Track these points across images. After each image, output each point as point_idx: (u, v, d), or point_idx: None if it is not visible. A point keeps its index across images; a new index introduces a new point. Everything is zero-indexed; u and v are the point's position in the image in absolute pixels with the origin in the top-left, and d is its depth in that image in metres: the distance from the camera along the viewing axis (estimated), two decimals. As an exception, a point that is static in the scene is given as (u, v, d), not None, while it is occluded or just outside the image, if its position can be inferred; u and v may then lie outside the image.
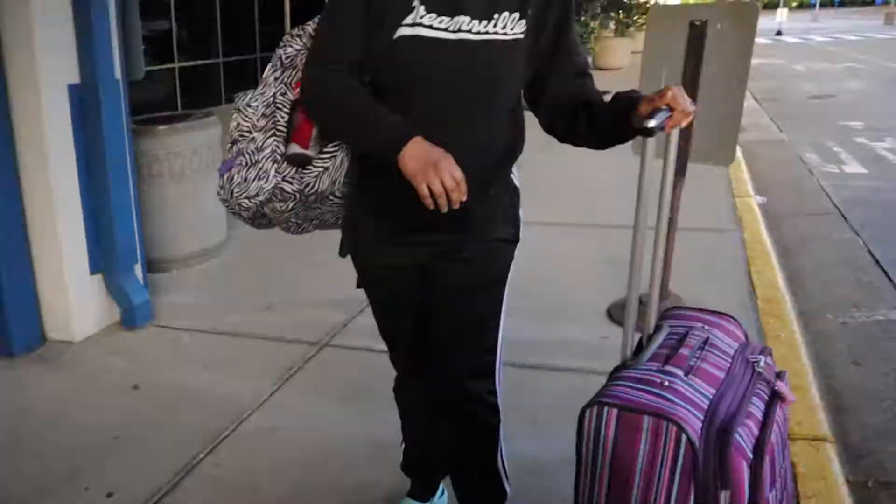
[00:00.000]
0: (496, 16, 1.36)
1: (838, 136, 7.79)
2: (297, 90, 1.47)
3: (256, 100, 1.49)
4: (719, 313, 1.46)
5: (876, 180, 5.86)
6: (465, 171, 1.28)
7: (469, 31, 1.35)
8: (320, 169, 1.44)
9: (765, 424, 1.19)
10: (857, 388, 2.77)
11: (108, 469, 2.24)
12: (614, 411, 1.18)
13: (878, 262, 4.02)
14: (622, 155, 2.40)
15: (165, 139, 3.74)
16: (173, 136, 3.77)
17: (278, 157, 1.45)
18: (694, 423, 1.14)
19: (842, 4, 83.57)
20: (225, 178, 1.49)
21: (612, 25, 16.19)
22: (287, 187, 1.45)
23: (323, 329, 3.16)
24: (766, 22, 42.37)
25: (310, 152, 1.44)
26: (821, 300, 3.58)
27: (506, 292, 1.59)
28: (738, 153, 6.58)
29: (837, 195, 5.40)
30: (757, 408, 1.22)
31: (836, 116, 9.21)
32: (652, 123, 1.21)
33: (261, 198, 1.46)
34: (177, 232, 3.87)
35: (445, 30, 1.34)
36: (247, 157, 1.46)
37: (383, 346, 1.77)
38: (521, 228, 1.58)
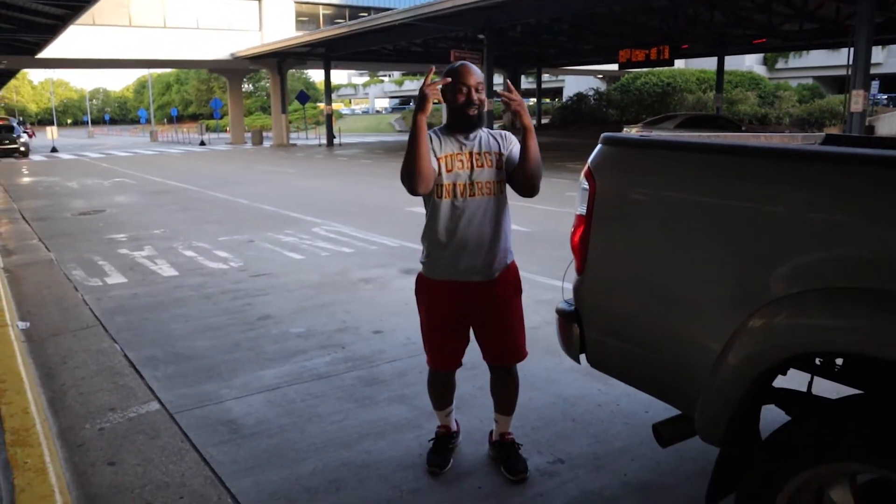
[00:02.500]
0: None
1: (104, 250, 8.29)
2: None
3: None
4: None
5: (134, 287, 6.46)
6: None
7: None
8: None
9: None
10: (112, 486, 3.01)
11: None
12: None
13: (132, 363, 4.45)
14: None
15: None
16: None
17: None
18: None
19: (113, 122, 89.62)
20: None
21: None
22: None
23: None
24: (40, 139, 41.84)
25: None
26: (80, 413, 3.74)
27: None
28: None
29: (99, 307, 5.74)
30: None
31: (103, 231, 9.79)
32: None
33: None
34: None
35: None
36: None
37: None
38: None
